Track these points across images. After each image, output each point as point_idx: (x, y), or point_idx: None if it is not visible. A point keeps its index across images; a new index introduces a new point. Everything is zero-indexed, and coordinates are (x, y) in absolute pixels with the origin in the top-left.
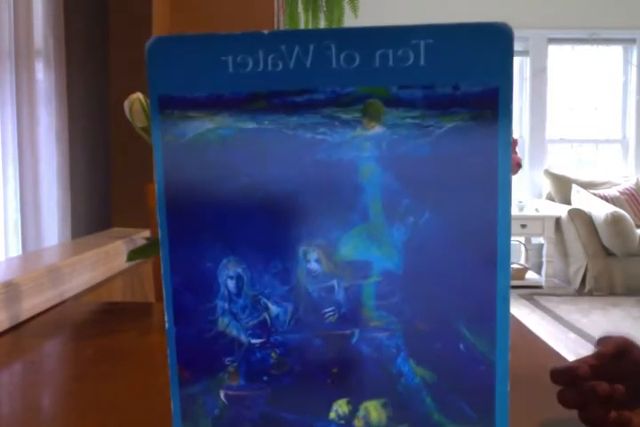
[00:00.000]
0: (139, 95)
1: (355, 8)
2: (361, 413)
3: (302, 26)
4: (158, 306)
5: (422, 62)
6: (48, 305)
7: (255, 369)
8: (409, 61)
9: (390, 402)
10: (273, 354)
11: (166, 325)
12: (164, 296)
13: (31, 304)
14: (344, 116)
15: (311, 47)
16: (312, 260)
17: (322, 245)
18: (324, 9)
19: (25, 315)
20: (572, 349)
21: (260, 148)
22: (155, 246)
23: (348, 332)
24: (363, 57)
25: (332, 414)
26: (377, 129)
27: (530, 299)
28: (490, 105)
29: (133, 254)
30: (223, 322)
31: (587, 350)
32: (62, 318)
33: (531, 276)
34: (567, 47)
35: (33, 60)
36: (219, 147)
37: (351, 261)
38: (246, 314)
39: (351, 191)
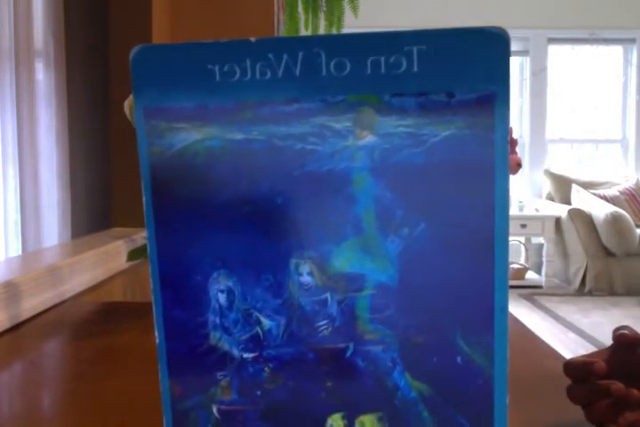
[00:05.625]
0: None
1: (355, 8)
2: None
3: (302, 26)
4: None
5: (415, 69)
6: (48, 305)
7: (248, 384)
8: (401, 68)
9: (386, 416)
10: (266, 368)
11: (157, 339)
12: (154, 311)
13: (31, 304)
14: (335, 126)
15: (300, 55)
16: (304, 273)
17: (314, 257)
18: (324, 9)
19: (25, 315)
20: (572, 349)
21: (249, 159)
22: None
23: (342, 345)
24: (353, 64)
25: None
26: (369, 138)
27: (530, 299)
28: (486, 112)
29: (133, 254)
30: (215, 336)
31: (587, 349)
32: (62, 318)
33: (531, 276)
34: (567, 47)
35: (33, 60)
36: (207, 159)
37: (344, 273)
38: (238, 328)
39: (344, 203)
